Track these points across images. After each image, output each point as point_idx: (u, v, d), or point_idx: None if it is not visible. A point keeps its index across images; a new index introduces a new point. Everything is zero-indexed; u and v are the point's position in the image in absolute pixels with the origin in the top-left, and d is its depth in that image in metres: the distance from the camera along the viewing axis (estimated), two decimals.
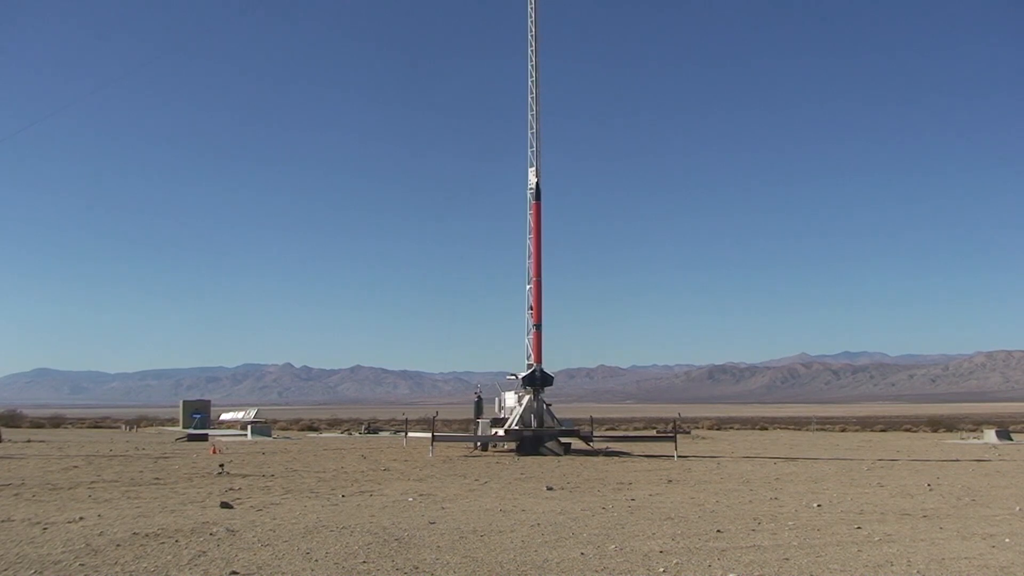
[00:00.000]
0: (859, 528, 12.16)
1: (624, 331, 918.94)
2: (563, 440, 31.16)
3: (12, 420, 58.18)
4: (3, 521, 12.12)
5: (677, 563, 9.46)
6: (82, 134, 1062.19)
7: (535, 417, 31.07)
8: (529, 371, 31.58)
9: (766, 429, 66.13)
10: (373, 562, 9.35)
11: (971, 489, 18.13)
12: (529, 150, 33.33)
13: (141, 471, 21.09)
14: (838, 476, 21.41)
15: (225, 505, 14.03)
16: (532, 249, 32.64)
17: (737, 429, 65.37)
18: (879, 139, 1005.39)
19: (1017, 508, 14.67)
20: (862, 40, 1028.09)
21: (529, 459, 27.56)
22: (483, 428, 34.45)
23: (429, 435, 29.93)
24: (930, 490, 17.87)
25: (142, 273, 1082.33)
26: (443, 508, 14.10)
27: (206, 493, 16.04)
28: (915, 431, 60.81)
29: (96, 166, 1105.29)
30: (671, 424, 39.05)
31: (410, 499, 15.39)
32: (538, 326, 32.10)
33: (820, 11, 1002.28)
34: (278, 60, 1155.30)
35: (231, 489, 16.81)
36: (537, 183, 32.90)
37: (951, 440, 45.62)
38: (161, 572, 8.76)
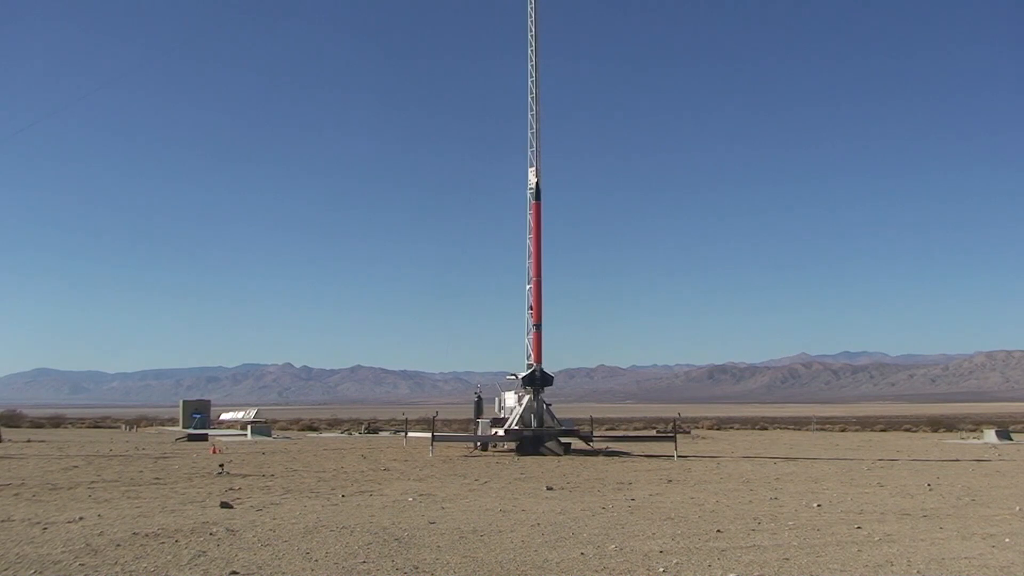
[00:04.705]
0: (859, 528, 12.17)
1: (624, 331, 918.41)
2: (563, 440, 31.17)
3: (12, 420, 58.11)
4: (3, 521, 12.12)
5: (677, 563, 9.47)
6: (82, 134, 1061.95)
7: (535, 417, 31.08)
8: (529, 371, 31.58)
9: (766, 429, 66.11)
10: (373, 562, 9.36)
11: (971, 489, 18.13)
12: (529, 150, 33.36)
13: (141, 471, 21.09)
14: (838, 476, 21.42)
15: (225, 505, 14.03)
16: (532, 249, 32.64)
17: (737, 429, 65.36)
18: (879, 139, 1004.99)
19: (1017, 508, 14.67)
20: (862, 40, 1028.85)
21: (529, 459, 27.57)
22: (483, 428, 34.45)
23: (429, 435, 29.95)
24: (930, 490, 17.87)
25: (142, 273, 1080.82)
26: (443, 508, 14.11)
27: (206, 493, 16.04)
28: (915, 431, 60.80)
29: (96, 166, 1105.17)
30: (671, 424, 39.05)
31: (410, 499, 15.40)
32: (538, 326, 32.10)
33: (821, 11, 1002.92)
34: (278, 60, 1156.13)
35: (231, 489, 16.82)
36: (537, 183, 32.90)
37: (951, 440, 45.61)
38: (161, 572, 8.77)
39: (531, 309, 32.23)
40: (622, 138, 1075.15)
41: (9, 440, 35.85)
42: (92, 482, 18.08)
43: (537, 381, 31.43)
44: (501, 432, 31.42)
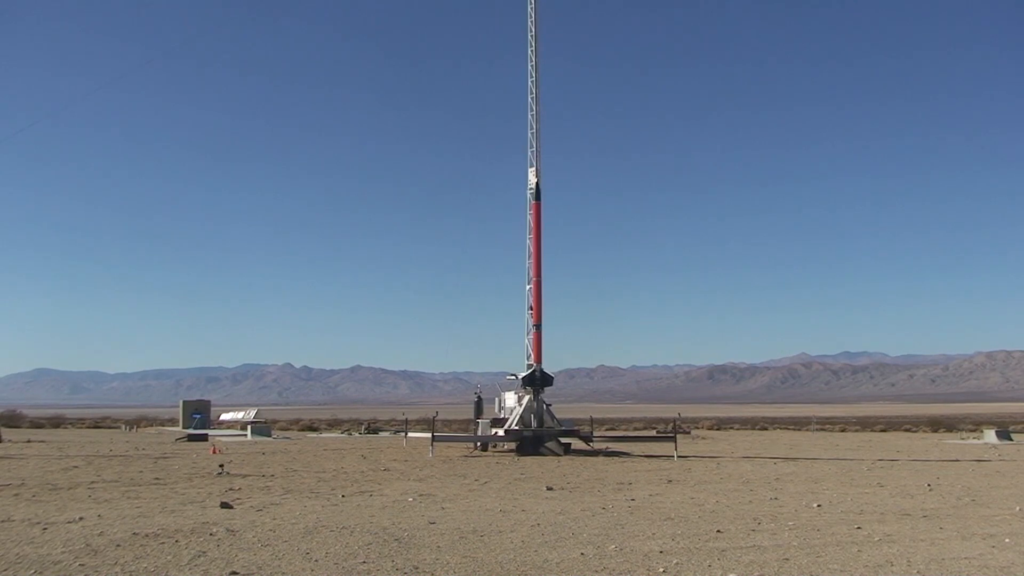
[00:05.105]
0: (859, 528, 12.17)
1: (624, 331, 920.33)
2: (563, 440, 31.16)
3: (12, 420, 58.12)
4: (3, 521, 12.12)
5: (677, 563, 9.46)
6: (82, 134, 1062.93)
7: (535, 417, 31.07)
8: (529, 371, 31.58)
9: (766, 429, 66.12)
10: (373, 562, 9.36)
11: (971, 489, 18.13)
12: (529, 150, 33.35)
13: (141, 471, 21.09)
14: (838, 476, 21.42)
15: (225, 505, 14.03)
16: (532, 249, 32.63)
17: (737, 429, 65.36)
18: (879, 139, 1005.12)
19: (1017, 508, 14.67)
20: (862, 40, 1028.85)
21: (529, 459, 27.56)
22: (483, 428, 34.45)
23: (429, 435, 29.94)
24: (930, 490, 17.87)
25: (142, 273, 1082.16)
26: (443, 508, 14.11)
27: (206, 493, 16.04)
28: (915, 431, 60.80)
29: (96, 166, 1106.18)
30: (671, 424, 39.05)
31: (410, 499, 15.40)
32: (538, 326, 32.10)
33: (821, 11, 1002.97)
34: (278, 60, 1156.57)
35: (231, 489, 16.81)
36: (537, 183, 32.90)
37: (951, 440, 45.61)
38: (161, 572, 8.76)
39: (531, 309, 32.22)
40: (622, 138, 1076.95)
41: (9, 440, 35.85)
42: (92, 482, 18.07)
43: (537, 381, 31.42)
44: (501, 432, 31.42)
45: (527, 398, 31.48)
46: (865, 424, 73.14)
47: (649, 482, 19.53)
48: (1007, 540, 11.19)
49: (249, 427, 46.48)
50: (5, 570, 8.82)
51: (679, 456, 28.54)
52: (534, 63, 33.56)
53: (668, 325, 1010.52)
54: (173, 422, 61.79)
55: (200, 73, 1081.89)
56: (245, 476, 19.99)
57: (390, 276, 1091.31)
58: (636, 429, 60.54)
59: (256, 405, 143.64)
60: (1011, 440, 43.18)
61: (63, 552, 9.70)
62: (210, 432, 45.47)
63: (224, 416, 66.02)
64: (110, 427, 60.13)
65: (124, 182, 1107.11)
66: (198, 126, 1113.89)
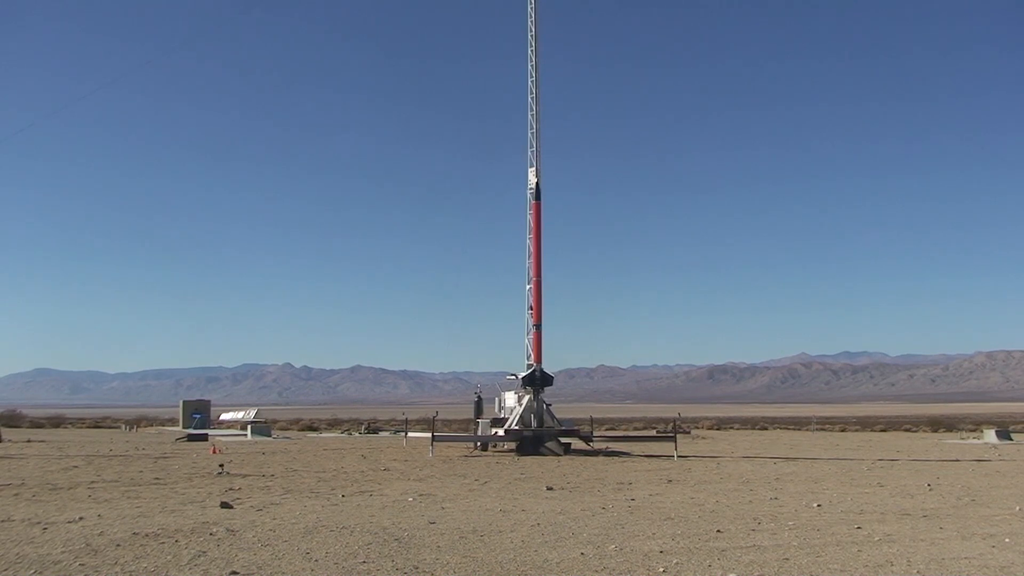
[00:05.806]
0: (859, 528, 12.17)
1: (624, 331, 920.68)
2: (563, 440, 31.16)
3: (12, 420, 58.14)
4: (3, 521, 12.12)
5: (677, 563, 9.47)
6: (82, 134, 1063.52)
7: (535, 417, 31.07)
8: (529, 371, 31.58)
9: (766, 429, 66.11)
10: (373, 562, 9.36)
11: (971, 489, 18.13)
12: (529, 150, 33.35)
13: (141, 471, 21.09)
14: (838, 476, 21.41)
15: (225, 505, 14.03)
16: (532, 249, 32.63)
17: (737, 429, 65.36)
18: (880, 139, 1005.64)
19: (1017, 508, 14.67)
20: (861, 40, 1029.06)
21: (529, 459, 27.56)
22: (483, 428, 34.46)
23: (429, 435, 29.94)
24: (930, 490, 17.87)
25: (142, 273, 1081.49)
26: (443, 508, 14.11)
27: (206, 493, 16.04)
28: (915, 431, 60.80)
29: (97, 165, 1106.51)
30: (671, 424, 39.04)
31: (410, 499, 15.40)
32: (538, 326, 32.10)
33: (820, 11, 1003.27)
34: (278, 60, 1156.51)
35: (231, 489, 16.81)
36: (537, 183, 32.90)
37: (951, 440, 45.61)
38: (161, 572, 8.77)
39: (531, 309, 32.22)
40: (622, 138, 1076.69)
41: (9, 440, 35.85)
42: (92, 482, 18.08)
43: (537, 381, 31.42)
44: (501, 432, 31.42)
45: (527, 398, 31.48)
46: (865, 424, 73.11)
47: (649, 482, 19.53)
48: (1007, 540, 11.19)
49: (249, 427, 46.47)
50: (5, 570, 8.82)
51: (679, 456, 28.54)
52: (534, 63, 33.56)
53: (668, 325, 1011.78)
54: (173, 422, 61.81)
55: (200, 73, 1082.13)
56: (245, 476, 19.99)
57: (390, 276, 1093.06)
58: (636, 429, 60.52)
59: (256, 405, 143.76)
60: (1011, 440, 43.18)
61: (63, 552, 9.70)
62: (210, 432, 45.49)
63: (224, 416, 66.05)
64: (110, 427, 60.13)
65: (124, 182, 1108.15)
66: (198, 126, 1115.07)
